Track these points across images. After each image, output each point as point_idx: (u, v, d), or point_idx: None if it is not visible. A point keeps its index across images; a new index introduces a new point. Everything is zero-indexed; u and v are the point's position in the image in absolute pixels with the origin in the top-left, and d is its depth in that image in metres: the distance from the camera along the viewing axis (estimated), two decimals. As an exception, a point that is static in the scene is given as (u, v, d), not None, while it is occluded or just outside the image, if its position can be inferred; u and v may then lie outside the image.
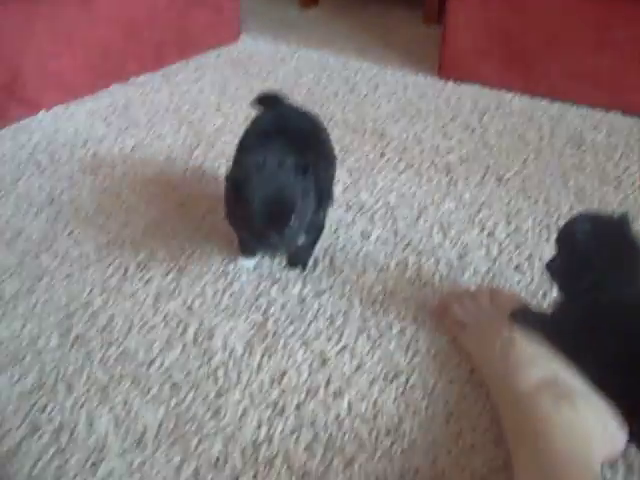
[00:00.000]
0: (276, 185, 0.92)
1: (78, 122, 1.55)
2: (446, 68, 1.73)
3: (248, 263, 1.09)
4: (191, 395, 0.87)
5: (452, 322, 0.94)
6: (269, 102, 1.18)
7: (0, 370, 0.92)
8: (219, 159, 1.36)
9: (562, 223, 0.89)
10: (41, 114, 1.59)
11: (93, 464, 0.80)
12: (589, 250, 0.82)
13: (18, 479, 0.78)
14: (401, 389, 0.88)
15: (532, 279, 1.06)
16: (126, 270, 1.09)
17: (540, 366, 0.81)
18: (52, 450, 0.81)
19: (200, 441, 0.82)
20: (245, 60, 1.86)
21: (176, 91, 1.68)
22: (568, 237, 0.85)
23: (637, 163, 1.39)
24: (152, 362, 0.92)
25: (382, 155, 1.38)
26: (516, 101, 1.61)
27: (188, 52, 1.88)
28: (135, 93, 1.68)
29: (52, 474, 0.79)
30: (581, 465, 0.71)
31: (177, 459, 0.80)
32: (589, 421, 0.75)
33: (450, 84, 1.69)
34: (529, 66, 1.62)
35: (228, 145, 1.39)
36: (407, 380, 0.89)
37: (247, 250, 1.09)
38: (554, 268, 0.86)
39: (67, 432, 0.83)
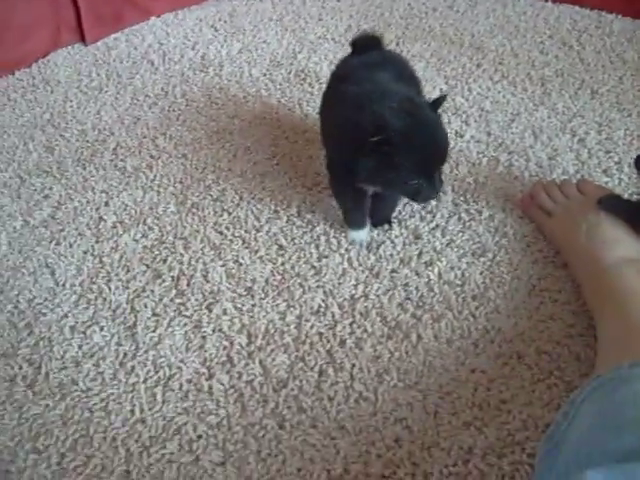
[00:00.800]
0: (437, 124, 0.87)
1: (187, 28, 1.64)
2: (547, -12, 1.72)
3: (359, 235, 0.98)
4: (295, 256, 0.97)
5: (539, 210, 0.99)
6: (367, 43, 1.05)
7: (126, 228, 1.04)
8: (322, 63, 1.42)
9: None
10: (152, 20, 1.68)
11: (208, 305, 0.90)
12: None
13: (143, 315, 0.90)
14: (488, 263, 0.94)
15: (620, 182, 1.09)
16: (235, 154, 1.18)
17: (624, 245, 0.86)
18: (173, 293, 0.93)
19: (303, 293, 0.91)
20: (346, -24, 1.90)
21: (279, 2, 1.74)
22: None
23: None
24: (260, 228, 1.02)
25: (478, 66, 1.42)
26: (617, 22, 1.60)
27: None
28: (240, 3, 1.75)
29: (173, 310, 0.90)
30: None
31: (282, 306, 0.90)
32: None
33: (549, 4, 1.68)
34: (633, -14, 1.60)
35: (330, 52, 1.46)
36: (494, 257, 0.95)
37: (357, 221, 0.98)
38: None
39: (185, 279, 0.95)
